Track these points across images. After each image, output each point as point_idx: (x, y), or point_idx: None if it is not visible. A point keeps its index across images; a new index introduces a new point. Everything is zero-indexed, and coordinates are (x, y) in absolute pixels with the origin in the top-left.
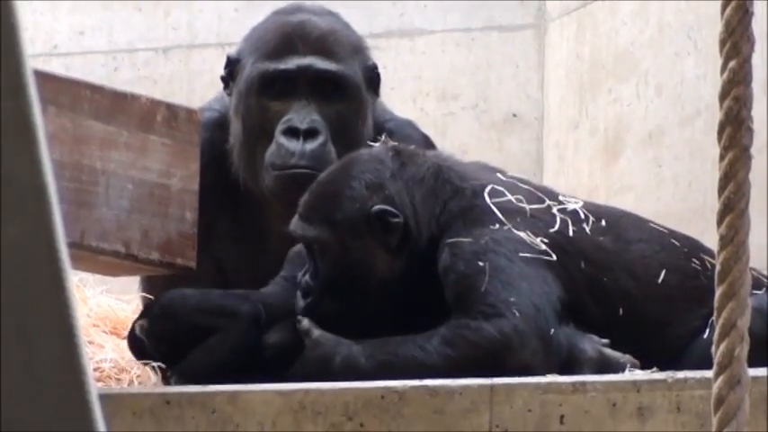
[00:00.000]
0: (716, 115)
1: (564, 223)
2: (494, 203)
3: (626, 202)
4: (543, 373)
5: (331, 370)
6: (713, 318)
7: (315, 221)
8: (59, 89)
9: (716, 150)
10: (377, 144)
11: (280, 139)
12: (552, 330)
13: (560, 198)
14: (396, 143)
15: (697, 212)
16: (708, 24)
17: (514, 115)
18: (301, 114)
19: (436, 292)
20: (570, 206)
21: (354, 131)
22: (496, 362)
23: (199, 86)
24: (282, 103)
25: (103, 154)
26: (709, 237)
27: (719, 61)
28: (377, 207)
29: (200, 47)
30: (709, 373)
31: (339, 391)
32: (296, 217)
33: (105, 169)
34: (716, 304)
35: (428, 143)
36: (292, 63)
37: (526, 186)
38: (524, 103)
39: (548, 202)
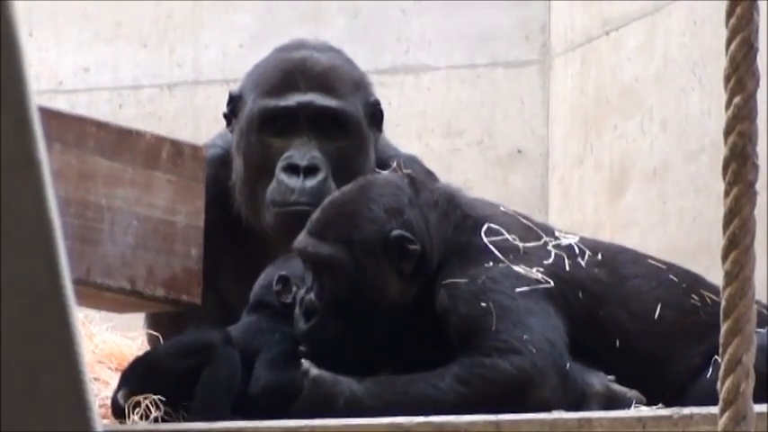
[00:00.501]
0: (721, 151)
1: (559, 257)
2: (489, 241)
3: (631, 237)
4: (561, 410)
5: (334, 412)
6: (716, 356)
7: (329, 239)
8: (65, 126)
9: (721, 186)
10: (385, 172)
11: (280, 176)
12: (567, 365)
13: (557, 234)
14: (406, 171)
15: (702, 248)
16: (713, 60)
17: (519, 151)
18: (302, 151)
19: (434, 325)
20: (566, 241)
21: (356, 167)
22: (515, 400)
23: (204, 123)
24: (283, 140)
25: (108, 191)
26: (715, 272)
27: (724, 97)
28: (396, 232)
29: (206, 83)
30: (714, 409)
31: (345, 428)
32: (304, 234)
33: (110, 206)
34: (721, 340)
35: (433, 178)
36: (293, 100)
37: (525, 222)
38: (529, 139)
39: (544, 238)
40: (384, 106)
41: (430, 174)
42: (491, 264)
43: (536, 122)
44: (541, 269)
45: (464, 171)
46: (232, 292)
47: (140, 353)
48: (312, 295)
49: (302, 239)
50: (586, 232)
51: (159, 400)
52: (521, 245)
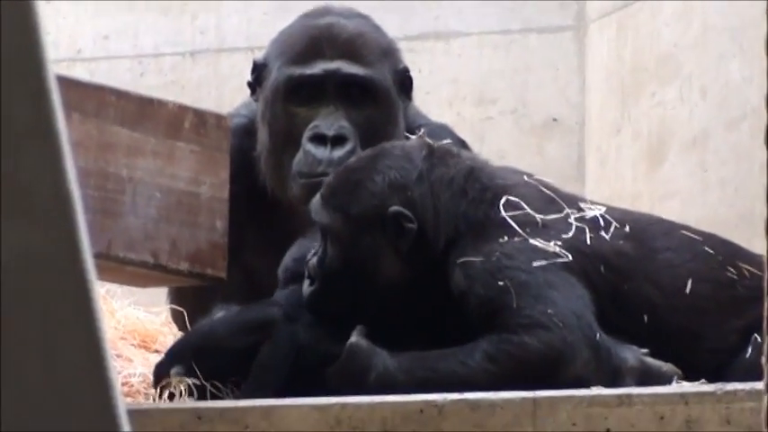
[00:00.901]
0: (762, 118)
1: (580, 230)
2: (506, 215)
3: (671, 208)
4: (595, 384)
5: (365, 385)
6: (756, 334)
7: (331, 207)
8: (84, 95)
9: (763, 154)
10: (413, 137)
11: (307, 146)
12: (598, 336)
13: (582, 205)
14: (431, 141)
15: (744, 218)
16: (753, 26)
17: (554, 120)
18: (329, 120)
19: (451, 301)
20: (590, 213)
21: (385, 136)
22: (546, 378)
23: (227, 91)
24: (309, 110)
25: (130, 161)
26: (758, 244)
27: (765, 63)
28: (394, 208)
29: (229, 51)
30: (759, 385)
31: (376, 406)
32: (318, 195)
33: (132, 177)
34: (766, 313)
35: (464, 148)
36: (319, 68)
37: (548, 193)
38: (564, 107)
39: (566, 210)
40: (414, 74)
41: (461, 143)
42: (506, 239)
43: (571, 90)
44: (559, 243)
45: (497, 140)
46: (257, 265)
47: (195, 327)
48: (315, 260)
49: (314, 201)
50: (624, 203)
51: (194, 383)
52: (539, 218)
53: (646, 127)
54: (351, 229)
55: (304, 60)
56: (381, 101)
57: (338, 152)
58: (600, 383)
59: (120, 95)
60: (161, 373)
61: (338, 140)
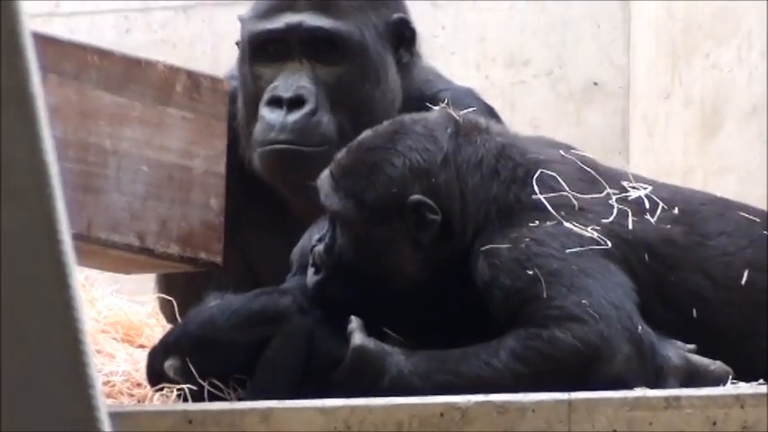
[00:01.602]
0: None
1: (622, 213)
2: (538, 197)
3: (727, 184)
4: (638, 384)
5: (379, 390)
6: None
7: (342, 190)
8: (62, 55)
9: None
10: (436, 109)
11: (262, 110)
12: (640, 328)
13: (624, 184)
14: (457, 112)
15: None
16: None
17: (595, 84)
18: (289, 81)
19: (475, 294)
20: (635, 193)
21: (363, 98)
22: (582, 377)
23: (225, 50)
24: (274, 69)
25: (114, 131)
26: None
27: None
28: (415, 197)
29: (226, 4)
30: None
31: (391, 409)
32: (327, 173)
33: (116, 149)
34: None
35: (492, 116)
36: (282, 21)
37: (587, 170)
38: (607, 70)
39: (607, 190)
40: (436, 31)
41: (489, 110)
42: (537, 223)
43: (615, 50)
44: (598, 228)
45: (530, 107)
46: (257, 250)
47: (193, 313)
48: (322, 247)
49: (323, 178)
50: (674, 179)
51: (190, 381)
52: (575, 200)
53: (699, 92)
54: (365, 218)
55: (270, 14)
56: (355, 57)
57: (293, 116)
58: (643, 383)
59: (104, 55)
60: (154, 368)
61: (295, 103)
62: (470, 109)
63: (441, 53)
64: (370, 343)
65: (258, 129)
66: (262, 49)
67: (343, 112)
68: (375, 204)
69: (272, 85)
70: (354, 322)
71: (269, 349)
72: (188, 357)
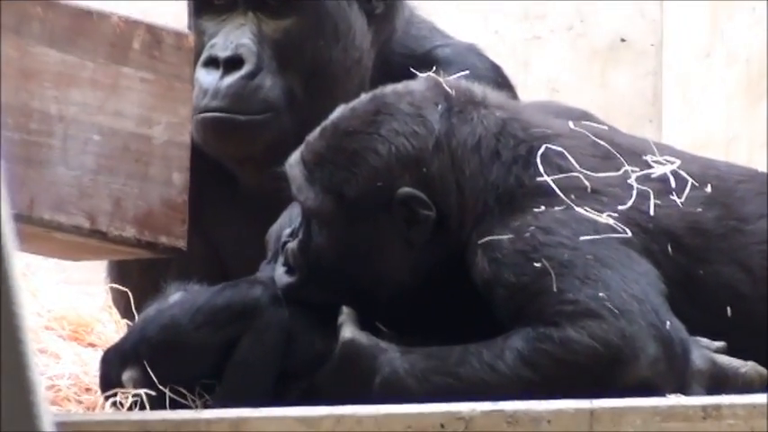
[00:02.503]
0: None
1: (643, 196)
2: (544, 178)
3: None
4: (667, 390)
5: (367, 393)
6: None
7: (318, 183)
8: None
9: None
10: (424, 76)
11: (198, 72)
12: (668, 324)
13: (647, 158)
14: (448, 82)
15: None
16: None
17: (623, 40)
18: (230, 37)
19: (474, 293)
20: (658, 170)
21: (317, 57)
22: (601, 384)
23: None
24: (217, 23)
25: (60, 94)
26: None
27: None
28: (404, 190)
29: None
30: None
31: (383, 419)
32: (296, 157)
33: (63, 115)
34: None
35: (499, 77)
36: None
37: (603, 144)
38: (637, 25)
39: (625, 168)
40: None
41: (497, 72)
42: (542, 209)
43: (646, 1)
44: (615, 214)
45: (547, 67)
46: (220, 234)
47: (151, 313)
48: (296, 244)
49: (293, 164)
50: (715, 152)
51: (148, 393)
52: (587, 180)
53: (744, 50)
54: (346, 215)
55: None
56: (306, 8)
57: (229, 79)
58: (673, 389)
59: (48, 5)
60: (110, 379)
61: (232, 63)
62: (462, 73)
63: (440, 5)
64: (363, 337)
65: (194, 94)
66: (206, 2)
67: (292, 74)
68: (357, 200)
69: (210, 43)
70: (345, 313)
71: (239, 349)
72: (149, 366)
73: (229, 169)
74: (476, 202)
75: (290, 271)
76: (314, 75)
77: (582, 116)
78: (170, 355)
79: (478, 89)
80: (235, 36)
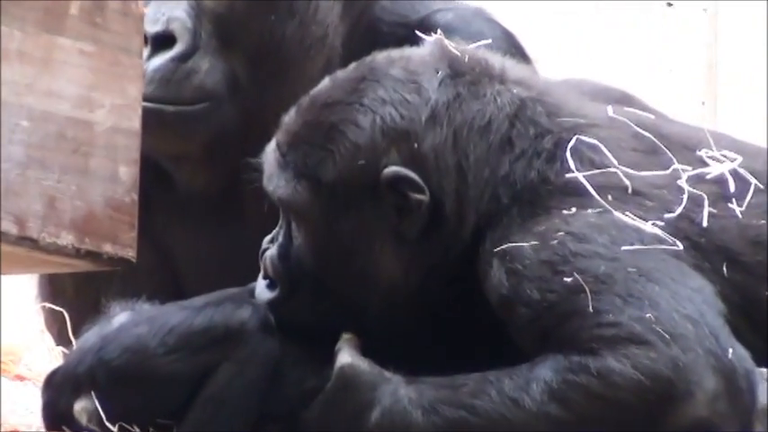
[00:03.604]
0: None
1: (695, 202)
2: (575, 175)
3: None
4: (726, 430)
5: (365, 427)
6: None
7: (291, 169)
8: None
9: None
10: (429, 39)
11: None
12: (731, 351)
13: (702, 154)
14: (458, 47)
15: None
16: None
17: (669, 4)
18: (162, 9)
19: (484, 311)
20: (715, 169)
21: (267, 35)
22: (646, 424)
23: None
24: None
25: None
26: None
27: None
28: (391, 170)
29: None
30: None
31: None
32: (273, 145)
33: None
34: None
35: (512, 47)
36: None
37: (648, 135)
38: None
39: (674, 165)
40: None
41: (509, 41)
42: (573, 211)
43: None
44: (660, 223)
45: (573, 33)
46: (181, 239)
47: (108, 332)
48: (275, 250)
49: (267, 151)
50: None
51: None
52: (627, 179)
53: None
54: (325, 204)
55: None
56: None
57: (157, 60)
58: (735, 428)
59: None
60: (57, 410)
61: (161, 42)
62: (481, 43)
63: None
64: (364, 363)
65: None
66: None
67: (236, 56)
68: (336, 184)
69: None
70: (346, 338)
71: (213, 380)
72: (106, 397)
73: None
74: (481, 194)
75: (271, 284)
76: (263, 57)
77: (621, 98)
78: (133, 383)
79: (496, 60)
80: (167, 7)
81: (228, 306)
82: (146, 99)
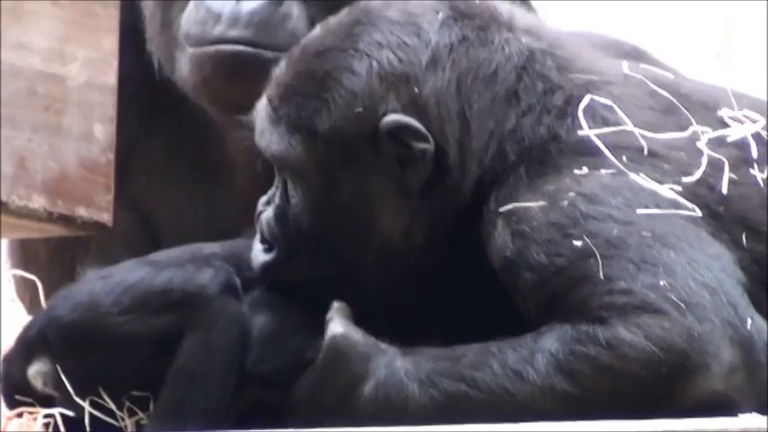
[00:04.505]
0: None
1: (713, 169)
2: (587, 133)
3: None
4: (742, 407)
5: (358, 402)
6: None
7: (285, 123)
8: None
9: None
10: None
11: None
12: (749, 322)
13: (723, 114)
14: None
15: None
16: None
17: None
18: None
19: (487, 275)
20: (736, 131)
21: None
22: (658, 398)
23: None
24: None
25: None
26: None
27: None
28: (392, 118)
29: None
30: None
31: None
32: (264, 101)
33: None
34: None
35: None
36: None
37: (664, 93)
38: None
39: (693, 127)
40: None
41: None
42: (584, 170)
43: None
44: (677, 187)
45: None
46: (160, 201)
47: (65, 291)
48: (271, 211)
49: (259, 108)
50: None
51: (62, 412)
52: (643, 140)
53: None
54: (322, 159)
55: None
56: None
57: (250, 3)
58: (750, 406)
59: None
60: (13, 381)
61: None
62: None
63: None
64: (357, 334)
65: (192, 18)
66: None
67: (316, 3)
68: (333, 136)
69: None
70: (337, 307)
71: (181, 353)
72: (60, 358)
73: (200, 121)
74: (485, 147)
75: (268, 247)
76: (339, 5)
77: (632, 52)
78: (85, 342)
79: (504, 6)
80: None
81: (189, 268)
82: (242, 42)
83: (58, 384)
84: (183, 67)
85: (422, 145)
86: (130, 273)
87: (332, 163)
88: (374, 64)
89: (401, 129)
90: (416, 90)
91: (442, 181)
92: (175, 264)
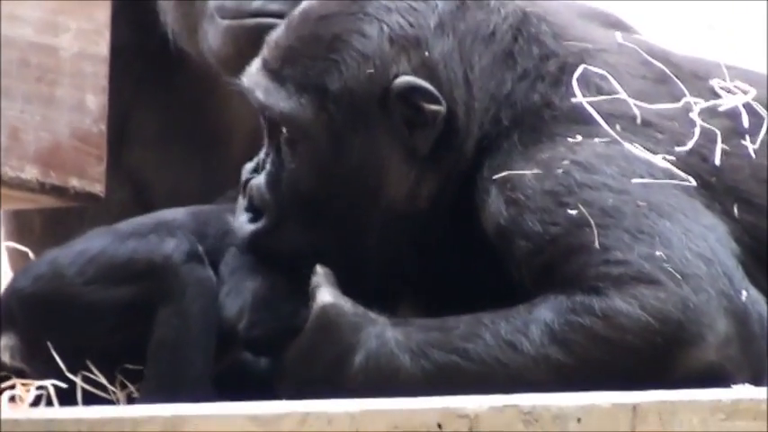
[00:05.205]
0: None
1: (706, 139)
2: (580, 100)
3: None
4: (737, 378)
5: (347, 373)
6: None
7: (290, 82)
8: None
9: None
10: None
11: None
12: (744, 294)
13: (715, 84)
14: None
15: None
16: None
17: None
18: None
19: (482, 244)
20: (728, 101)
21: None
22: (653, 369)
23: None
24: None
25: None
26: None
27: None
28: (403, 80)
29: None
30: None
31: (361, 417)
32: (258, 62)
33: None
34: None
35: None
36: None
37: (657, 63)
38: None
39: (687, 98)
40: None
41: None
42: (578, 139)
43: None
44: (670, 157)
45: None
46: (156, 173)
47: (30, 263)
48: (262, 178)
49: (252, 72)
50: None
51: (55, 384)
52: (636, 109)
53: None
54: (330, 118)
55: None
56: None
57: None
58: (744, 377)
59: None
60: None
61: None
62: None
63: None
64: (346, 303)
65: None
66: None
67: None
68: (343, 95)
69: None
70: (321, 273)
71: (157, 324)
72: (25, 329)
73: (205, 92)
74: (486, 109)
75: (255, 216)
76: None
77: (617, 23)
78: (48, 313)
79: None
80: None
81: (153, 239)
82: (276, 14)
83: (26, 357)
84: (211, 38)
85: (433, 107)
86: (92, 242)
87: (341, 124)
88: (384, 27)
89: (413, 90)
90: (427, 54)
91: (448, 144)
92: (138, 233)
